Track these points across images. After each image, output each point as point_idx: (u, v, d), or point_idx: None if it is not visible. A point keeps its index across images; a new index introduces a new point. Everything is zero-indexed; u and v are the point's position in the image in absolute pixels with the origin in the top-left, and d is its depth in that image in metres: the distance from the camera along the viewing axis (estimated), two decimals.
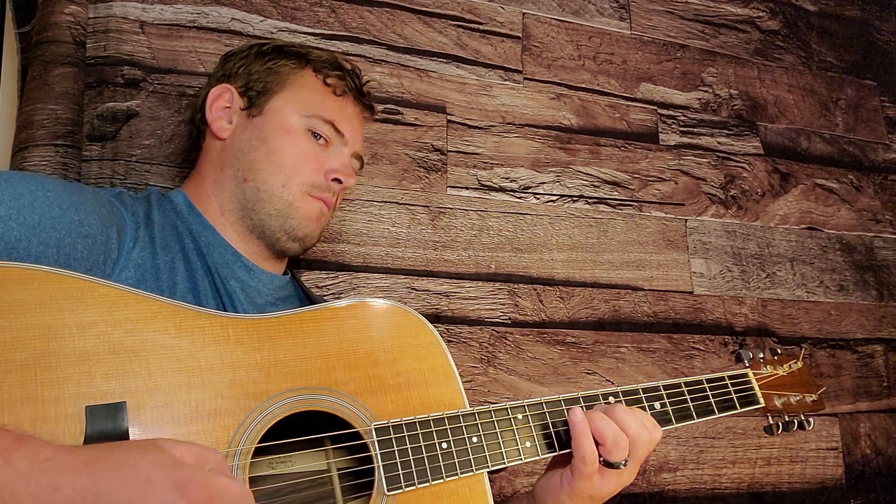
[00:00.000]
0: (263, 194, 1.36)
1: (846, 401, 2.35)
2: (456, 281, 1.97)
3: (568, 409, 1.19)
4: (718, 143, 2.42)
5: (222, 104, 1.43)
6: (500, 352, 1.96)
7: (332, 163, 1.42)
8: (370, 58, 2.00)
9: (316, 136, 1.41)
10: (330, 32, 1.97)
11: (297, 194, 1.37)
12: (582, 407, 1.22)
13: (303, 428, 1.06)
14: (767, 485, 2.16)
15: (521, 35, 2.22)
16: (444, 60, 2.10)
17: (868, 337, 2.46)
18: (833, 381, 2.35)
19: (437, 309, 1.92)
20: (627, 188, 2.24)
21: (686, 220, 2.30)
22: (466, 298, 1.96)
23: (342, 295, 1.84)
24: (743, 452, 2.16)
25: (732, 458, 2.14)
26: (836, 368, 2.37)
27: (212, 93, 1.44)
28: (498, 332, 1.97)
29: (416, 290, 1.92)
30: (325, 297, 1.78)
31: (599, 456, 1.17)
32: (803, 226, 2.48)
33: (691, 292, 2.24)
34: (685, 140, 2.37)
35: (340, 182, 1.42)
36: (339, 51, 1.96)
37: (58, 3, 1.65)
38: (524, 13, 2.24)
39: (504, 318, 1.99)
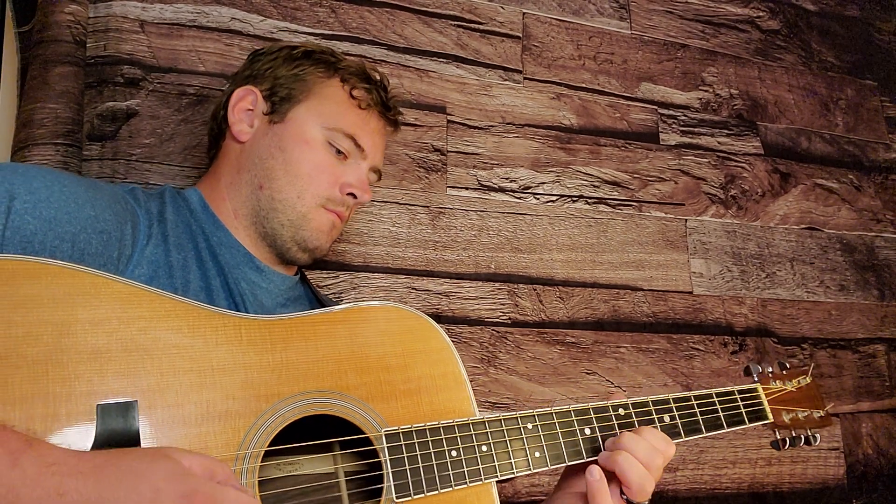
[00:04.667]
0: (278, 203, 1.35)
1: (848, 401, 2.36)
2: (456, 281, 1.96)
3: (588, 469, 1.18)
4: (719, 142, 2.42)
5: (245, 106, 1.42)
6: (500, 352, 1.96)
7: (348, 177, 1.41)
8: (370, 58, 2.00)
9: (335, 149, 1.40)
10: (330, 32, 1.96)
11: (311, 206, 1.37)
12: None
13: (313, 431, 1.06)
14: (768, 485, 2.16)
15: (521, 35, 2.22)
16: (444, 60, 2.09)
17: (869, 337, 2.46)
18: (834, 382, 2.35)
19: (437, 309, 1.92)
20: (627, 188, 2.24)
21: (686, 220, 2.29)
22: (466, 298, 1.96)
23: (342, 295, 1.83)
24: (743, 453, 2.16)
25: (733, 458, 2.14)
26: (837, 368, 2.37)
27: (236, 94, 1.42)
28: (498, 332, 1.97)
29: (417, 289, 1.91)
30: (330, 296, 1.77)
31: (623, 495, 1.18)
32: (803, 226, 2.48)
33: (691, 292, 2.24)
34: (685, 140, 2.37)
35: (355, 197, 1.41)
36: (339, 51, 1.95)
37: (58, 3, 1.65)
38: (524, 13, 2.24)
39: (504, 318, 1.99)
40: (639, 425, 1.26)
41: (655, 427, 1.27)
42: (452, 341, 1.87)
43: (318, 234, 1.39)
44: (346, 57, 1.52)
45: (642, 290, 2.18)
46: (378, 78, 1.52)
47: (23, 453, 0.75)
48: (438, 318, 1.91)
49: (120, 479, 0.76)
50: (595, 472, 1.16)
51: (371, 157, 1.45)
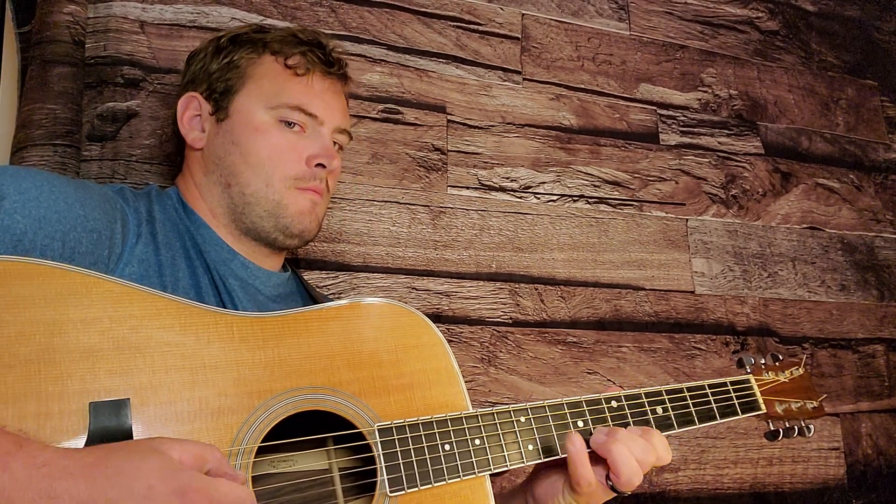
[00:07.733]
0: (250, 197, 1.33)
1: (847, 401, 2.35)
2: (457, 280, 1.96)
3: (567, 436, 1.17)
4: (719, 142, 2.41)
5: (192, 113, 1.40)
6: (501, 351, 1.96)
7: (311, 149, 1.36)
8: (370, 58, 2.00)
9: (289, 124, 1.36)
10: (330, 32, 1.97)
11: (282, 191, 1.33)
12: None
13: (306, 427, 1.06)
14: (769, 485, 2.16)
15: (520, 36, 2.22)
16: (444, 61, 2.10)
17: (869, 337, 2.46)
18: (834, 381, 2.35)
19: (437, 309, 1.92)
20: (628, 188, 2.24)
21: (687, 219, 2.29)
22: (467, 298, 1.96)
23: (342, 295, 1.83)
24: (745, 452, 2.15)
25: (734, 458, 2.14)
26: (837, 368, 2.37)
27: (180, 104, 1.41)
28: (499, 331, 1.97)
29: (417, 289, 1.91)
30: (327, 295, 1.77)
31: (608, 480, 1.17)
32: (804, 225, 2.48)
33: (693, 292, 2.23)
34: (685, 140, 2.37)
35: (325, 166, 1.37)
36: (339, 50, 1.95)
37: (57, 3, 1.65)
38: (523, 14, 2.24)
39: (505, 317, 1.99)
40: (631, 417, 1.26)
41: (655, 429, 1.26)
42: (453, 341, 1.90)
43: (300, 218, 1.35)
44: (274, 27, 1.48)
45: (644, 289, 2.18)
46: (311, 38, 1.45)
47: (12, 456, 0.75)
48: (439, 317, 1.91)
49: (111, 478, 0.76)
50: (577, 441, 1.15)
51: (328, 119, 1.40)
